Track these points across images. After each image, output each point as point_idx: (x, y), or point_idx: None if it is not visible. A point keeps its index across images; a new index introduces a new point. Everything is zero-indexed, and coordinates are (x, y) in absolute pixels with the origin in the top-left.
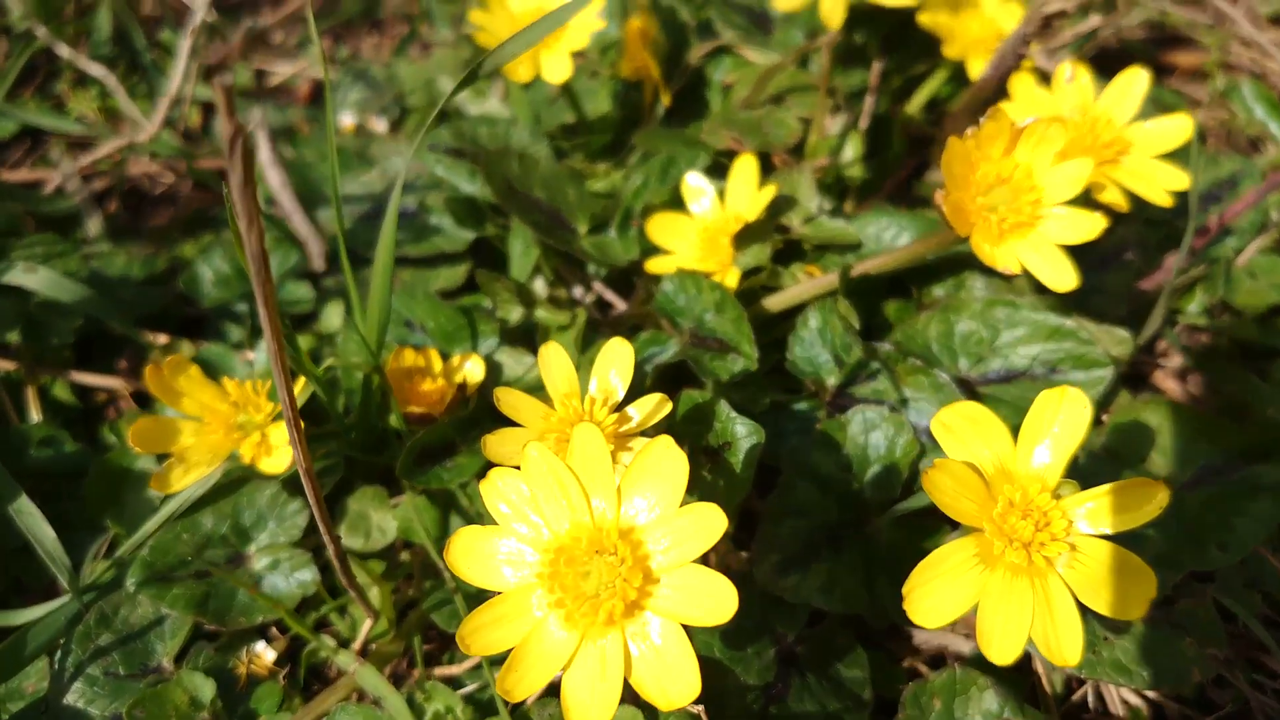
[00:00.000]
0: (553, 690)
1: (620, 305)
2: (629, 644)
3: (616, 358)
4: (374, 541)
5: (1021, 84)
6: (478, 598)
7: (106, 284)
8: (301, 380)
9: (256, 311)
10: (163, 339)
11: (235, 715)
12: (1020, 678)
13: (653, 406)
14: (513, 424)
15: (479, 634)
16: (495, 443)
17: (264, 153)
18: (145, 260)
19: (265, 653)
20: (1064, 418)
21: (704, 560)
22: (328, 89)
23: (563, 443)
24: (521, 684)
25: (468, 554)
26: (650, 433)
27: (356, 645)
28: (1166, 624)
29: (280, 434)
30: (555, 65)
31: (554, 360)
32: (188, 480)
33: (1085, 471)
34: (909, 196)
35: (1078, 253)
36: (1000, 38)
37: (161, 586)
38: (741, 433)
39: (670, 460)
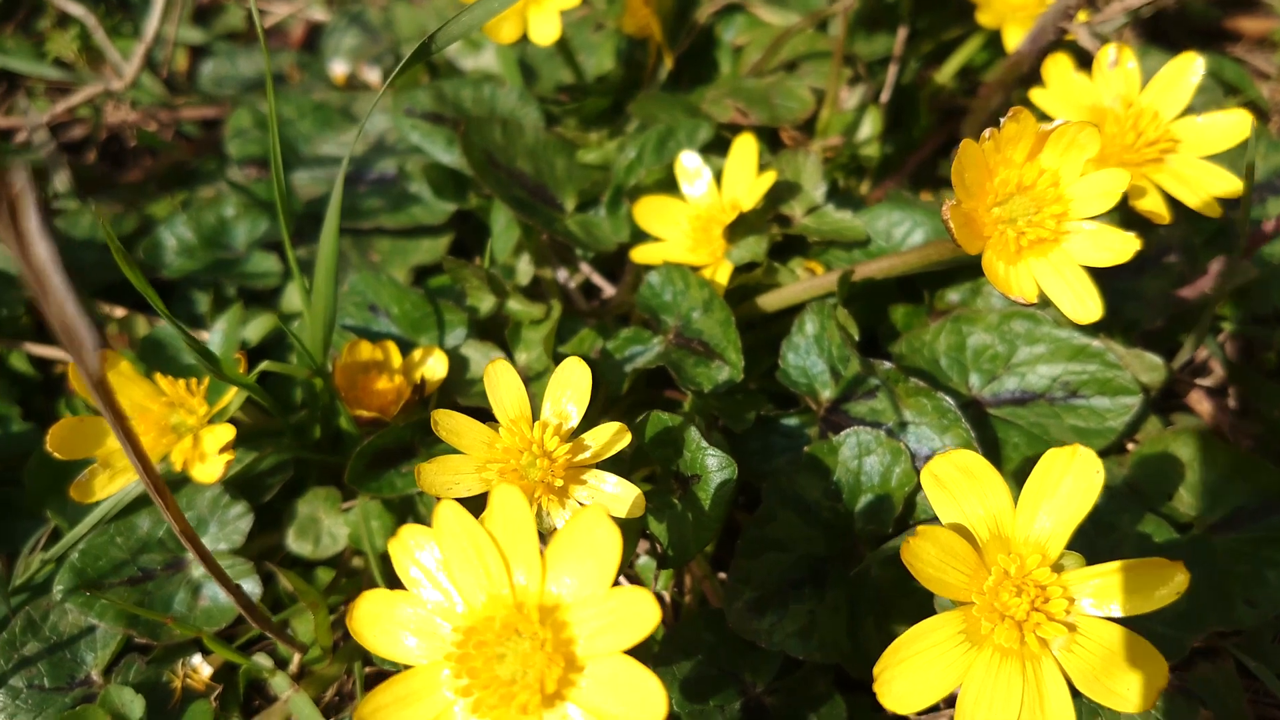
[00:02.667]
0: None
1: (608, 289)
2: None
3: (572, 380)
4: (324, 548)
5: (1057, 68)
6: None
7: (71, 247)
8: (232, 391)
9: (221, 284)
10: (120, 312)
11: None
12: None
13: (610, 436)
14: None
15: (380, 714)
16: (431, 472)
17: (31, 221)
18: (113, 220)
19: (202, 667)
20: (1072, 480)
21: (633, 652)
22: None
23: (507, 473)
24: None
25: (374, 622)
26: (608, 464)
27: (292, 667)
28: (1180, 693)
29: (215, 438)
30: (543, 25)
31: (502, 380)
32: (112, 488)
33: (1103, 511)
34: (934, 177)
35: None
36: (1041, 3)
37: (90, 595)
38: (713, 465)
39: (602, 532)
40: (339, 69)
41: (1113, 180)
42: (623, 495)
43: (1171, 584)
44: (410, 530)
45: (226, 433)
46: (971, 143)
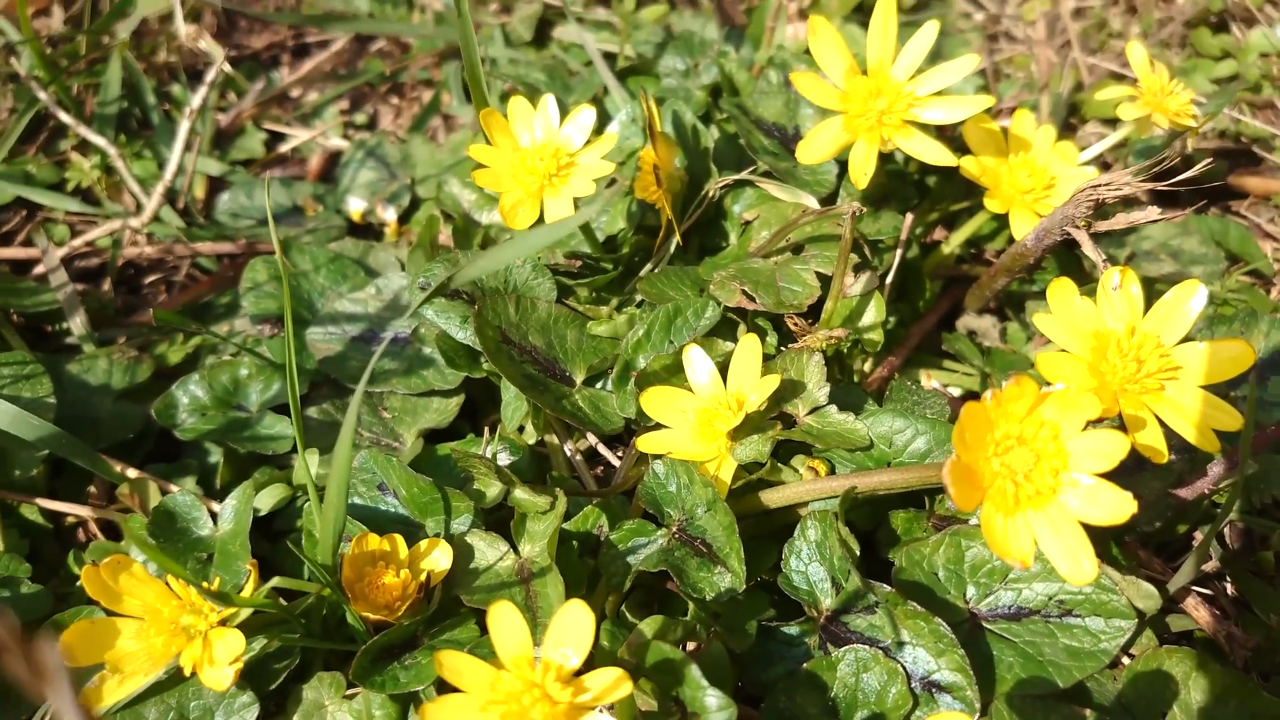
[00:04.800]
0: None
1: (612, 458)
2: None
3: (574, 626)
4: None
5: (1060, 294)
6: None
7: (85, 393)
8: (247, 596)
9: (233, 450)
10: (132, 472)
11: None
12: None
13: (611, 683)
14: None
15: None
16: (435, 712)
17: (64, 697)
18: (127, 367)
19: None
20: None
21: None
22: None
23: (510, 716)
24: None
25: None
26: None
27: None
28: None
29: (225, 644)
30: (558, 210)
31: (505, 621)
32: (122, 693)
33: None
34: (936, 347)
35: None
36: (1050, 187)
37: None
38: (712, 705)
39: None
40: (355, 206)
41: (1112, 444)
42: None
43: None
44: None
45: (237, 643)
46: (973, 405)
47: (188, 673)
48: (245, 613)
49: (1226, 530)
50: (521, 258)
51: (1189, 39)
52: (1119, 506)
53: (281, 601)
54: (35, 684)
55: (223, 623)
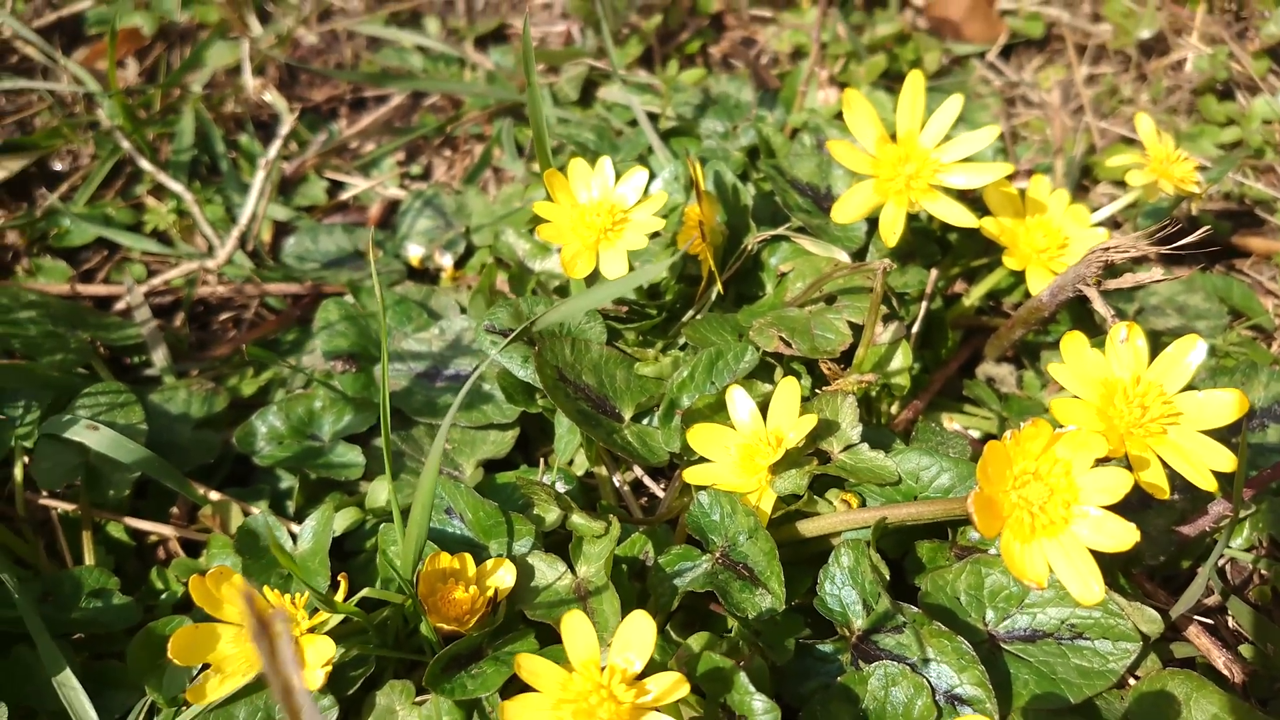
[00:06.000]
0: None
1: (656, 489)
2: None
3: (638, 634)
4: None
5: (1073, 346)
6: None
7: (167, 421)
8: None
9: (306, 477)
10: (214, 495)
11: None
12: None
13: (670, 685)
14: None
15: None
16: (513, 710)
17: (285, 651)
18: (205, 398)
19: None
20: None
21: None
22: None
23: (579, 714)
24: None
25: None
26: (667, 709)
27: None
28: None
29: (315, 650)
30: (613, 263)
31: (577, 629)
32: (223, 691)
33: None
34: (957, 392)
35: None
36: (1064, 247)
37: None
38: (759, 709)
39: None
40: (414, 252)
41: (1118, 480)
42: None
43: None
44: None
45: (328, 648)
46: (996, 444)
47: None
48: (332, 621)
49: (1229, 568)
50: (586, 310)
51: (1196, 105)
52: (1124, 535)
53: (363, 612)
54: (261, 640)
55: (311, 630)
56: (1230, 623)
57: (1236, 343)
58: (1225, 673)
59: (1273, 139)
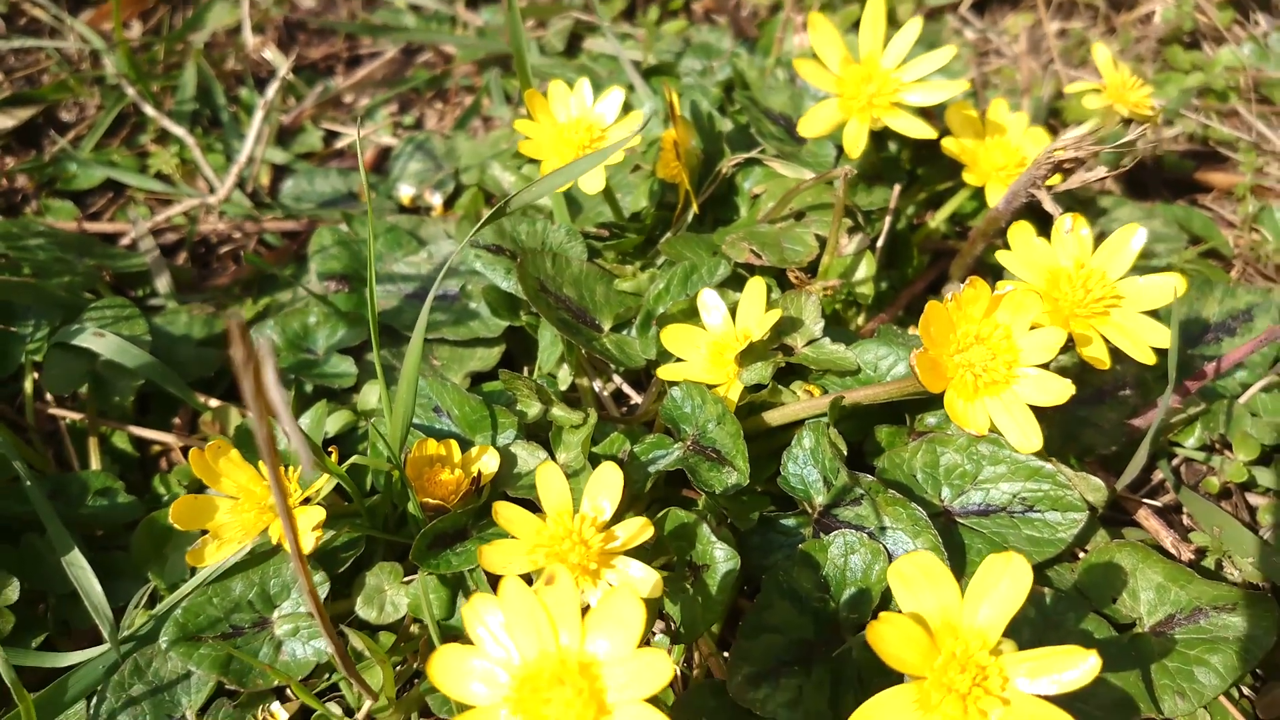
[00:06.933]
0: None
1: (635, 397)
2: None
3: (607, 482)
4: (386, 615)
5: (1020, 234)
6: None
7: (169, 341)
8: (324, 478)
9: (302, 382)
10: (214, 402)
11: None
12: None
13: (636, 529)
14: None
15: None
16: (490, 553)
17: (269, 374)
18: (205, 320)
19: (280, 713)
20: (1008, 581)
21: (653, 701)
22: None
23: (552, 556)
24: None
25: (447, 669)
26: (634, 552)
27: (359, 716)
28: None
29: (308, 518)
30: (591, 179)
31: (549, 479)
32: (220, 555)
33: (1051, 610)
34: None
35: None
36: (1022, 165)
37: (190, 645)
38: (720, 557)
39: (631, 608)
40: (405, 192)
41: (1053, 337)
42: (645, 579)
43: (1087, 668)
44: (480, 598)
45: (318, 514)
46: (936, 303)
47: (274, 541)
48: (325, 489)
49: (1184, 468)
50: (564, 184)
51: (1162, 54)
52: (1060, 390)
53: (352, 482)
54: (245, 366)
55: (303, 503)
56: (1185, 520)
57: (1191, 260)
58: (1173, 551)
59: (1236, 84)
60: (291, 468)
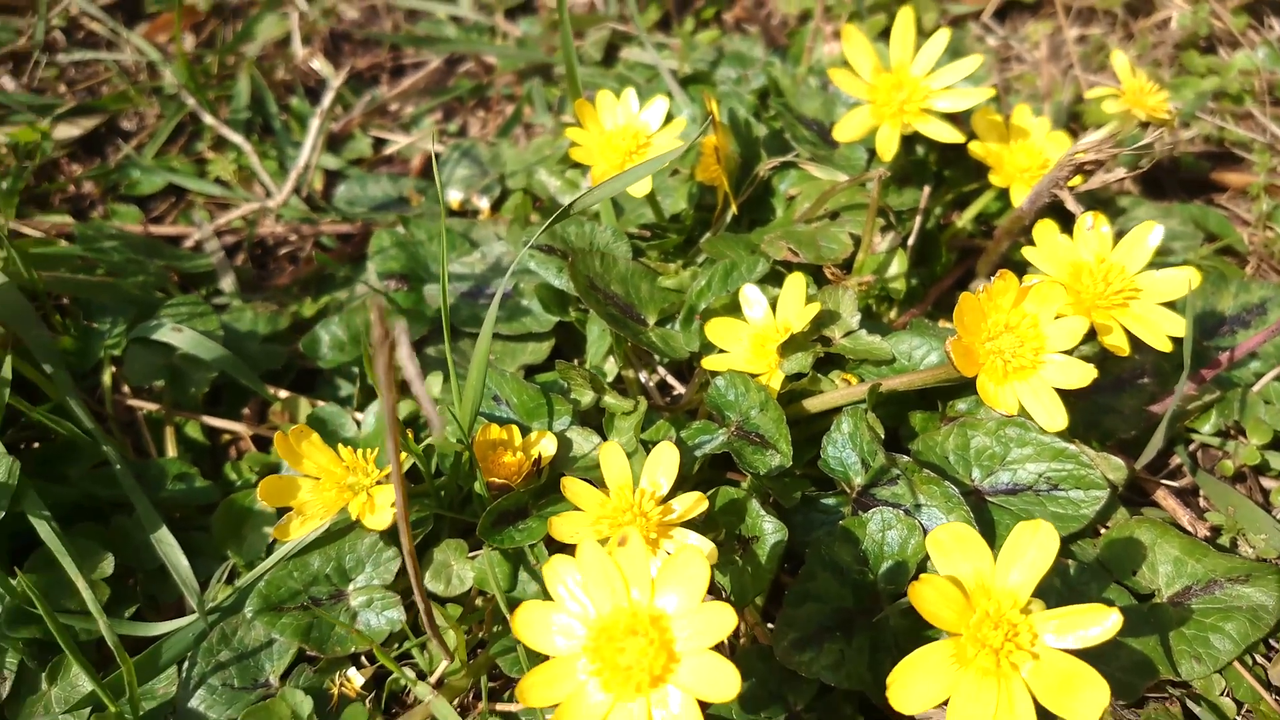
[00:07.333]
0: None
1: (679, 388)
2: (653, 708)
3: (664, 460)
4: (453, 588)
5: (1045, 231)
6: (536, 653)
7: (236, 337)
8: (402, 455)
9: (366, 374)
10: (283, 394)
11: None
12: None
13: (692, 502)
14: (576, 507)
15: (534, 689)
16: (559, 523)
17: (404, 350)
18: (270, 317)
19: (355, 678)
20: (1037, 547)
21: (720, 647)
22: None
23: (614, 526)
24: None
25: (529, 624)
26: (691, 524)
27: (432, 679)
28: None
29: (384, 496)
30: (639, 183)
31: (611, 457)
32: (303, 530)
33: (1075, 581)
34: (952, 305)
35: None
36: (1045, 167)
37: (273, 615)
38: (768, 529)
39: (696, 566)
40: (453, 197)
41: (1076, 324)
42: (700, 547)
43: (1108, 624)
44: (559, 559)
45: (393, 494)
46: (969, 294)
47: (353, 518)
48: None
49: (1200, 453)
50: (620, 189)
51: (1179, 59)
52: (1083, 374)
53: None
54: (380, 344)
55: (380, 483)
56: (1201, 502)
57: (1207, 256)
58: (1190, 529)
59: (1251, 87)
60: (368, 450)
